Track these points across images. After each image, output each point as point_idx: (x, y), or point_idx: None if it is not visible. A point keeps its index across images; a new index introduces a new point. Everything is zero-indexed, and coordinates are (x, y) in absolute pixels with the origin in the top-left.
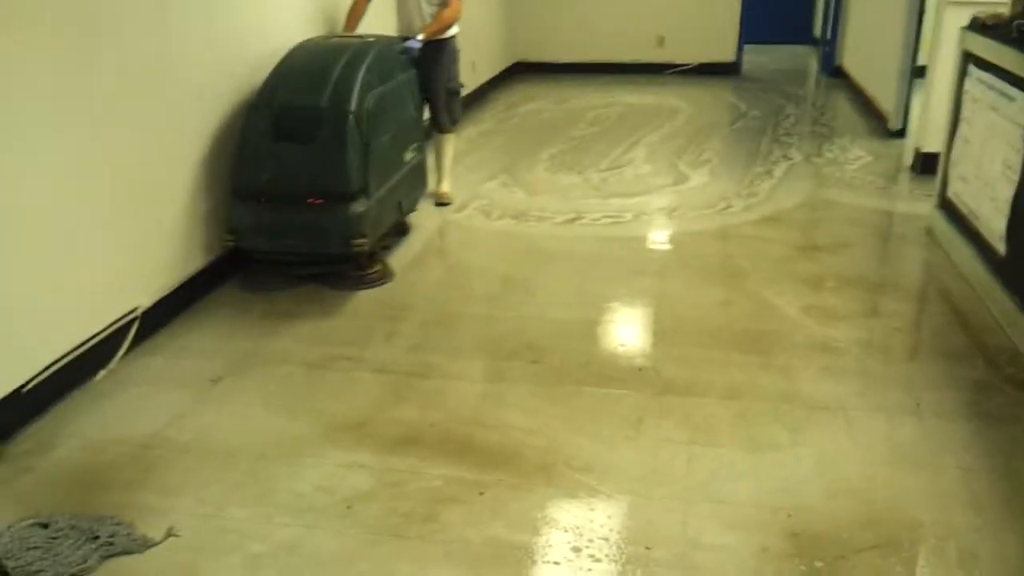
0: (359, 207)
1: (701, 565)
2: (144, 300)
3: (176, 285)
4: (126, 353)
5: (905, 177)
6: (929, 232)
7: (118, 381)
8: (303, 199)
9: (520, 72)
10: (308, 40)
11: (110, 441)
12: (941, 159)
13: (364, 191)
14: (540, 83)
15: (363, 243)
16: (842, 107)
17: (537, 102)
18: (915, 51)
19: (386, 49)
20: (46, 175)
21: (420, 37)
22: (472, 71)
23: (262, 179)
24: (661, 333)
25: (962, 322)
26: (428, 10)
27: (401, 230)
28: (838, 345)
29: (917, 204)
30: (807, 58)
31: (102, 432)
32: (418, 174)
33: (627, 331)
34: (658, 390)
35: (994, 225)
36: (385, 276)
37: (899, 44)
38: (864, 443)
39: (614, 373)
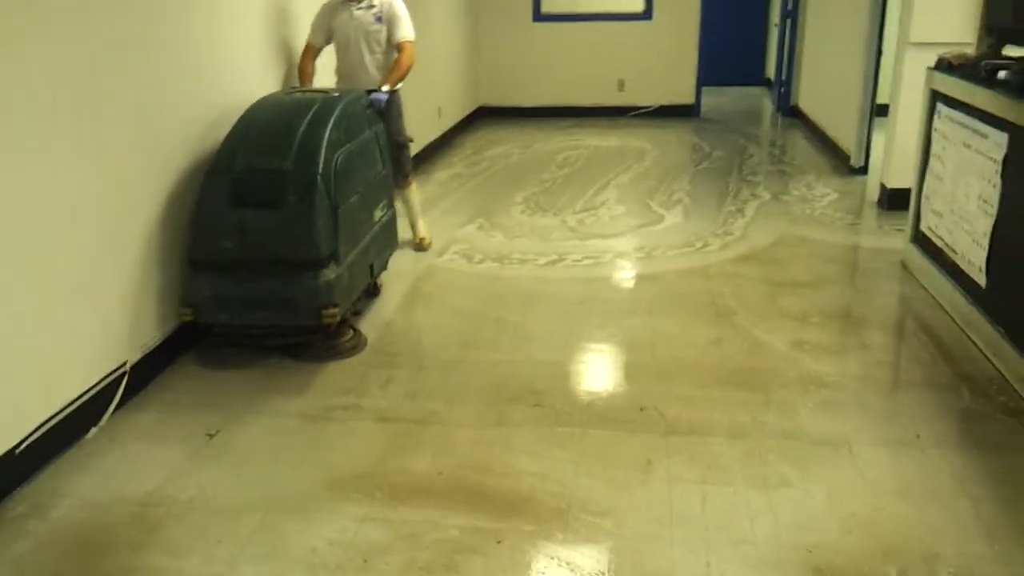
0: (329, 275)
1: None
2: (132, 355)
3: (155, 345)
4: (115, 410)
5: (872, 212)
6: (904, 265)
7: (110, 438)
8: (267, 268)
9: (483, 116)
10: (268, 96)
11: (109, 501)
12: (912, 194)
13: (334, 257)
14: (504, 127)
15: (335, 313)
16: (801, 146)
17: (503, 146)
18: (874, 91)
19: (352, 103)
20: (24, 238)
21: (385, 88)
22: (438, 116)
23: (221, 248)
24: (658, 373)
25: (945, 353)
26: (371, 60)
27: (371, 291)
28: (831, 379)
29: (887, 239)
30: (761, 98)
31: (100, 492)
32: (388, 233)
33: (624, 372)
34: (663, 430)
35: (973, 257)
36: (357, 345)
37: (859, 84)
38: (872, 477)
39: (617, 414)
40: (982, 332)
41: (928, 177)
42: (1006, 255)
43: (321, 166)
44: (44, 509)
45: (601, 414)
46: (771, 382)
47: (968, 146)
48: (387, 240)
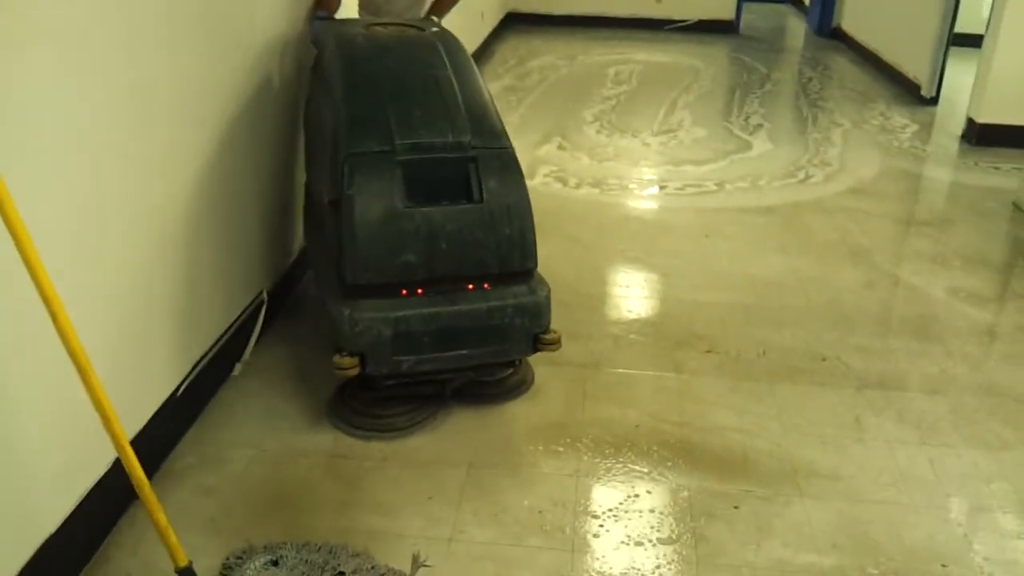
0: (543, 286)
1: None
2: (267, 283)
3: (286, 272)
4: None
5: (955, 146)
6: (1017, 207)
7: (261, 378)
8: (460, 287)
9: (513, 24)
10: (348, 31)
11: (290, 452)
12: None
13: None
14: (538, 36)
15: (557, 336)
16: (854, 71)
17: (545, 57)
18: (953, 18)
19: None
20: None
21: (435, 19)
22: (481, 20)
23: (403, 264)
24: (824, 318)
25: None
26: None
27: None
28: (1004, 331)
29: (991, 177)
30: (787, 16)
31: (276, 441)
32: None
33: (788, 315)
34: (855, 383)
35: None
36: (527, 378)
37: (936, 12)
38: None
39: (799, 363)
40: None
41: None
42: None
43: (506, 138)
44: (219, 461)
45: (783, 363)
46: (944, 332)
47: None
48: None
